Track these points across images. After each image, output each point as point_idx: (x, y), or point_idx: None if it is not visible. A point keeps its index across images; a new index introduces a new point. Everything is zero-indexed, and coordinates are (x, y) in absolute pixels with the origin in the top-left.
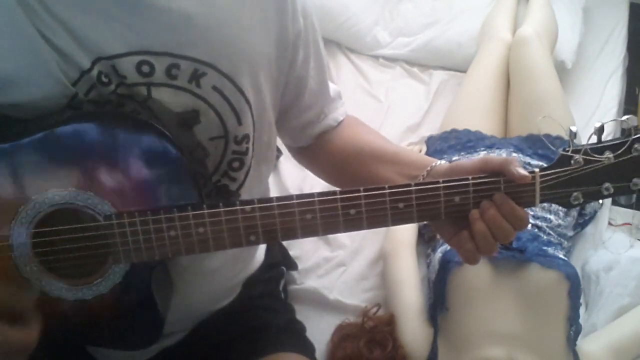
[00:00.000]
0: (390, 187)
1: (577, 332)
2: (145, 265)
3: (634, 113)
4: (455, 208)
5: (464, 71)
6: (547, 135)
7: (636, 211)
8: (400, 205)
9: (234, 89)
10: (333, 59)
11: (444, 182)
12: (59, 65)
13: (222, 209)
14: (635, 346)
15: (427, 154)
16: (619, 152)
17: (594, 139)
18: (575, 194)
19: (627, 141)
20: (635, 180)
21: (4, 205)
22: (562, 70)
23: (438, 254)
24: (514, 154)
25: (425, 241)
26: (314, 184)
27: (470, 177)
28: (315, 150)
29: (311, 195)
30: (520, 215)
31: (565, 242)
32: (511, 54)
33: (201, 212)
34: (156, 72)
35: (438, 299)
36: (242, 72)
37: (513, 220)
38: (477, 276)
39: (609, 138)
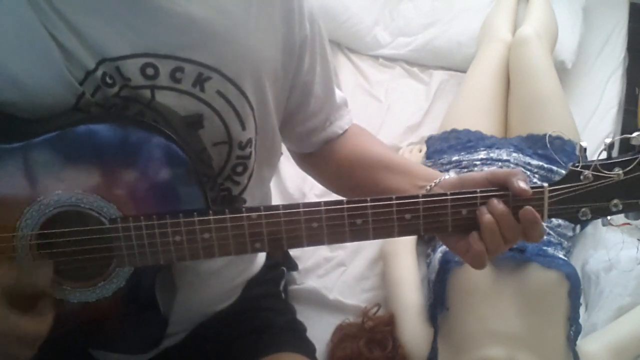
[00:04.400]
0: (397, 198)
1: (577, 332)
2: (149, 269)
3: (634, 113)
4: (462, 221)
5: (464, 71)
6: (547, 135)
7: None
8: (407, 216)
9: (238, 94)
10: (333, 59)
11: (451, 194)
12: (65, 64)
13: (227, 215)
14: (635, 346)
15: (427, 154)
16: (629, 168)
17: (604, 155)
18: (583, 209)
19: (637, 158)
20: None
21: (10, 206)
22: (562, 70)
23: (438, 254)
24: (514, 154)
25: (425, 241)
26: (314, 184)
27: (478, 190)
28: (320, 158)
29: (318, 204)
30: (529, 214)
31: (565, 242)
32: (511, 54)
33: (207, 217)
34: (160, 75)
35: (438, 299)
36: (246, 76)
37: (523, 220)
38: (477, 276)
39: (609, 139)
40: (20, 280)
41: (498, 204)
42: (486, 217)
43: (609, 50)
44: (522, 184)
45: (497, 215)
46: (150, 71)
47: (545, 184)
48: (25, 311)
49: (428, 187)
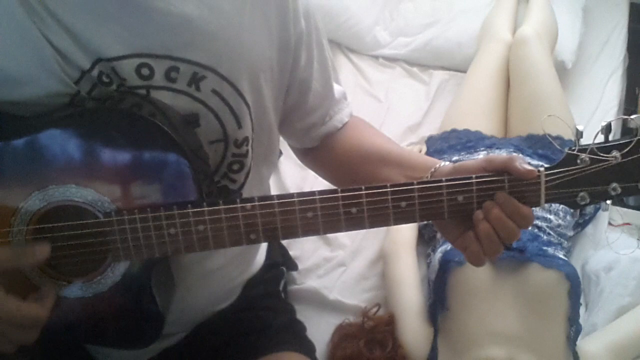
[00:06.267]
0: (392, 186)
1: (577, 332)
2: (145, 264)
3: (634, 113)
4: (458, 207)
5: (464, 71)
6: (548, 135)
7: (637, 211)
8: (403, 204)
9: (233, 92)
10: (333, 59)
11: (446, 180)
12: (60, 65)
13: (222, 207)
14: (635, 346)
15: (427, 154)
16: (626, 151)
17: (600, 138)
18: (581, 194)
19: (634, 140)
20: None
21: (5, 201)
22: (562, 70)
23: (438, 254)
24: (514, 154)
25: (425, 241)
26: (314, 183)
27: (473, 176)
28: (320, 152)
29: (312, 193)
30: (524, 212)
31: (565, 242)
32: (511, 54)
33: (201, 209)
34: (155, 75)
35: (438, 299)
36: (241, 75)
37: (517, 219)
38: (477, 276)
39: (605, 122)
40: (17, 260)
41: (493, 208)
42: (483, 224)
43: (609, 50)
44: (527, 165)
45: (492, 220)
46: (145, 71)
47: (542, 169)
48: (24, 296)
49: (424, 179)
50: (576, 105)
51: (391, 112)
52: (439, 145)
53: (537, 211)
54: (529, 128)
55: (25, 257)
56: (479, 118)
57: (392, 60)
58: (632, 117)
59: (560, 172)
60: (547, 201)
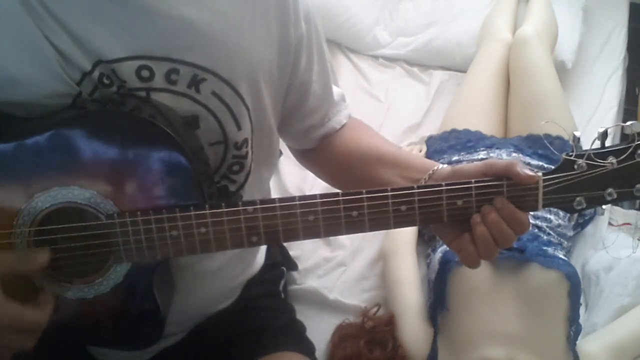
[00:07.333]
0: (392, 190)
1: (577, 332)
2: (147, 266)
3: (634, 113)
4: (457, 211)
5: (464, 71)
6: (547, 136)
7: (637, 212)
8: (403, 207)
9: (233, 94)
10: (333, 59)
11: (446, 184)
12: (61, 66)
13: (224, 209)
14: (635, 346)
15: (427, 154)
16: (623, 157)
17: (597, 144)
18: (578, 199)
19: (630, 147)
20: (638, 186)
21: (7, 203)
22: (562, 70)
23: (438, 254)
24: (514, 154)
25: (425, 241)
26: (314, 184)
27: (473, 180)
28: (319, 153)
29: (313, 196)
30: (521, 219)
31: (565, 242)
32: (511, 54)
33: (203, 212)
34: (156, 77)
35: (438, 299)
36: (241, 77)
37: (514, 224)
38: (477, 276)
39: (602, 128)
40: (17, 266)
41: (490, 212)
42: (479, 228)
43: (609, 50)
44: (528, 170)
45: (489, 224)
46: (145, 73)
47: (540, 173)
48: (24, 302)
49: (422, 181)
50: (576, 105)
51: (391, 112)
52: (439, 145)
53: (538, 211)
54: (529, 128)
55: (25, 263)
56: (479, 118)
57: (392, 60)
58: (628, 123)
59: (557, 177)
60: (544, 206)
